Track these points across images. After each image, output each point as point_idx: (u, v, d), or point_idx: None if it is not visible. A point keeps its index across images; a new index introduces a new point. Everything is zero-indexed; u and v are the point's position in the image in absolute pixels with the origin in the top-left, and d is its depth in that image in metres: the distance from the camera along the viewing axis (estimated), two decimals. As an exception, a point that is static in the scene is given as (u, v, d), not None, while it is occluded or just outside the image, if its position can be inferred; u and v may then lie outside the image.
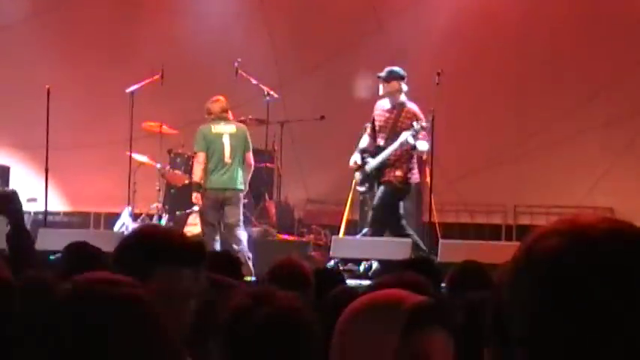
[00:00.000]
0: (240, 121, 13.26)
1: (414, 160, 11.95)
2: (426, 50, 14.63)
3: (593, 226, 1.67)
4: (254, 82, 13.06)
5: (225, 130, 11.83)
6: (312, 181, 14.19)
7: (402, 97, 11.87)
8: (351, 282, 10.60)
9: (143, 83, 13.03)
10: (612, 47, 14.33)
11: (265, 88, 13.06)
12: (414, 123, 11.62)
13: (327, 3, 15.21)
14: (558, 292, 1.63)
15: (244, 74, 12.95)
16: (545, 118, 14.38)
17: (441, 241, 12.01)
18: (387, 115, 11.93)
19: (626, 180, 14.00)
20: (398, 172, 11.75)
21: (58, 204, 14.69)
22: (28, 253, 4.50)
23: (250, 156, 11.98)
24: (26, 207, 14.20)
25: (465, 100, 13.95)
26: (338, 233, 12.84)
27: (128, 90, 12.94)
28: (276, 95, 13.21)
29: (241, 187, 11.86)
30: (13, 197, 4.64)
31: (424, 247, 11.66)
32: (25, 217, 14.33)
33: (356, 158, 11.90)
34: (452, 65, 13.11)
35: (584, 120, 14.29)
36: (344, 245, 12.12)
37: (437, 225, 12.62)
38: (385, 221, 11.92)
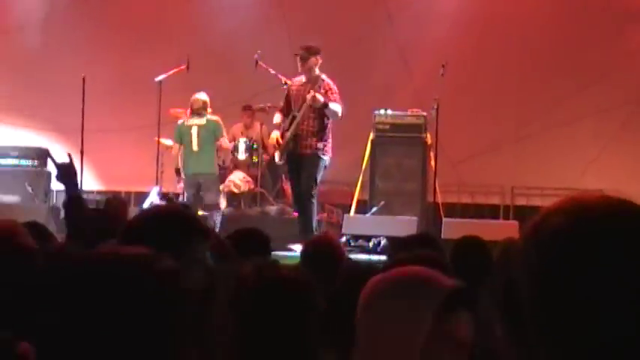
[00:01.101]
0: (260, 109, 13.32)
1: (330, 134, 11.59)
2: (431, 41, 14.63)
3: (595, 205, 1.67)
4: (272, 72, 13.00)
5: (195, 122, 12.51)
6: (326, 163, 14.16)
7: (317, 71, 11.52)
8: (361, 257, 10.69)
9: (170, 73, 13.04)
10: (603, 41, 14.32)
11: (283, 78, 13.00)
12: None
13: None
14: (563, 265, 1.63)
15: (263, 65, 12.88)
16: (542, 106, 14.45)
17: (444, 219, 12.09)
18: (302, 88, 11.52)
19: (615, 164, 14.04)
20: (320, 145, 11.39)
21: (92, 183, 14.71)
22: (84, 219, 4.49)
23: (223, 141, 12.69)
24: (61, 186, 14.35)
25: (467, 90, 13.97)
26: (349, 212, 12.83)
27: (157, 79, 12.96)
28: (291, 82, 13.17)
29: (212, 171, 12.62)
30: (71, 169, 4.67)
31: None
32: (60, 195, 14.45)
33: (276, 135, 11.66)
34: (455, 57, 13.11)
35: (578, 108, 14.37)
36: (355, 223, 12.16)
37: (440, 205, 12.63)
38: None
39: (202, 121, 12.44)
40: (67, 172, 4.64)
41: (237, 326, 2.83)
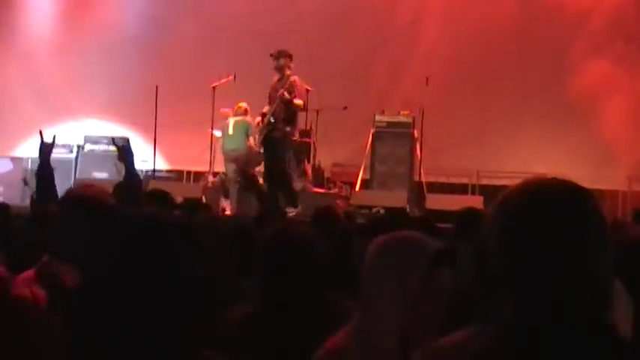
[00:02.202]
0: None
1: (297, 121, 11.09)
2: (417, 60, 14.69)
3: (546, 186, 1.70)
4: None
5: (234, 118, 12.43)
6: (337, 151, 14.20)
7: (288, 72, 10.92)
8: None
9: (222, 81, 13.01)
10: (545, 60, 14.34)
11: (306, 86, 12.97)
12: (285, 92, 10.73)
13: (347, 25, 15.15)
14: (520, 230, 1.65)
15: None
16: (500, 109, 14.53)
17: (427, 194, 12.09)
18: (276, 85, 10.98)
19: (554, 154, 14.02)
20: (288, 128, 10.88)
21: (162, 164, 14.74)
22: (136, 190, 4.42)
23: (251, 139, 12.10)
24: (140, 166, 14.40)
25: (444, 96, 13.94)
26: (355, 188, 12.84)
27: (212, 85, 12.94)
28: (311, 89, 13.16)
29: (243, 148, 12.13)
30: (128, 149, 4.54)
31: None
32: (139, 173, 14.49)
33: (257, 120, 11.44)
34: (436, 71, 13.17)
35: (526, 111, 14.46)
36: (360, 196, 12.20)
37: (424, 184, 12.63)
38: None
39: (239, 118, 12.48)
40: (124, 153, 4.48)
41: (266, 268, 2.85)
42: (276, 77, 11.15)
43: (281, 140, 10.96)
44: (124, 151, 4.43)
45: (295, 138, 11.30)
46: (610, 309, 1.63)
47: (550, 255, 1.60)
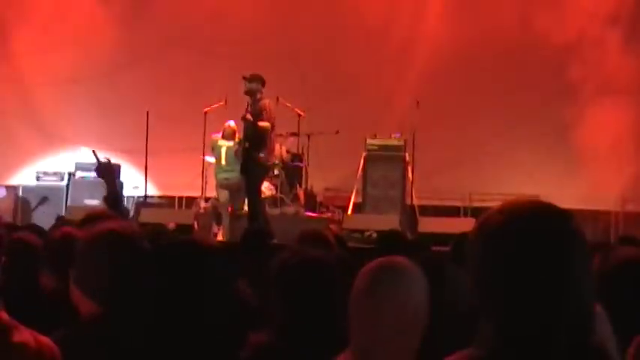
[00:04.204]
0: (279, 135, 13.28)
1: (269, 143, 10.76)
2: (408, 83, 14.74)
3: (523, 208, 1.71)
4: (289, 105, 13.00)
5: (225, 144, 12.51)
6: (329, 175, 14.21)
7: (258, 95, 10.78)
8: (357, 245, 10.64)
9: (214, 106, 13.00)
10: (537, 86, 14.39)
11: (298, 111, 13.03)
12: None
13: (339, 49, 15.20)
14: (496, 253, 1.67)
15: (283, 101, 12.85)
16: (492, 133, 14.57)
17: (419, 217, 12.09)
18: (248, 108, 10.84)
19: (547, 176, 14.06)
20: (261, 154, 10.65)
21: (153, 190, 14.71)
22: (119, 208, 4.33)
23: None
24: (132, 192, 14.39)
25: (437, 121, 13.95)
26: (347, 211, 12.84)
27: (204, 111, 12.94)
28: (303, 114, 13.18)
29: (236, 178, 11.95)
30: (110, 168, 4.42)
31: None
32: (131, 199, 14.37)
33: (236, 147, 11.47)
34: (427, 95, 13.20)
35: (518, 135, 14.42)
36: (352, 220, 12.19)
37: (416, 207, 12.64)
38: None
39: (230, 144, 12.44)
40: (105, 171, 4.37)
41: (281, 290, 2.86)
42: (248, 102, 10.95)
43: (252, 168, 10.79)
44: (103, 168, 4.34)
45: (270, 162, 11.20)
46: (593, 331, 1.64)
47: (530, 278, 1.61)
